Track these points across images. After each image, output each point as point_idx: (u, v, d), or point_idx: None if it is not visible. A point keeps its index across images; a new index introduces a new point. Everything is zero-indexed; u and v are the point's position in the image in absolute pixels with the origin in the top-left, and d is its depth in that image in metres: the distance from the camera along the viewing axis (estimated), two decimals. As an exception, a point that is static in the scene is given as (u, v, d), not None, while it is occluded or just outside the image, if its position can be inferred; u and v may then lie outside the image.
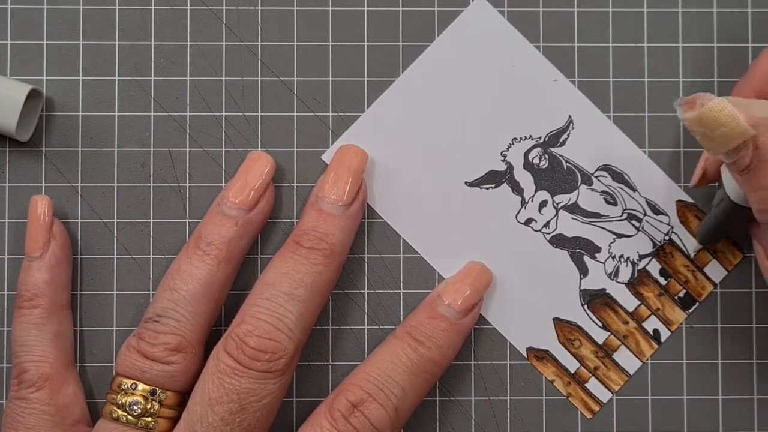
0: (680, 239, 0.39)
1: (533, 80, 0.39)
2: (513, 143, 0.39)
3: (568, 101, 0.39)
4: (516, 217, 0.39)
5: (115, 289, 0.39)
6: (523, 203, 0.39)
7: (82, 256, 0.39)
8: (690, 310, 0.39)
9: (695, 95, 0.30)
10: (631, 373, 0.39)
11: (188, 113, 0.39)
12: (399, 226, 0.39)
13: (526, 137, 0.39)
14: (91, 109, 0.39)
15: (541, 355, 0.39)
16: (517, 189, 0.39)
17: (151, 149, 0.39)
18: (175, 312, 0.35)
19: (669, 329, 0.39)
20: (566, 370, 0.39)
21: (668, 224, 0.39)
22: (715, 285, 0.39)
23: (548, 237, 0.39)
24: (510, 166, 0.39)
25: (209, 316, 0.35)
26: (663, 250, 0.39)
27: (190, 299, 0.35)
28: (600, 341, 0.39)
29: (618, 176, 0.39)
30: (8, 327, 0.39)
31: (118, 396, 0.34)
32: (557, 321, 0.39)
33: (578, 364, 0.39)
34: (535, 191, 0.39)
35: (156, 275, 0.39)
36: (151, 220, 0.39)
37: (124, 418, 0.34)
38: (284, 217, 0.39)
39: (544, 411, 0.39)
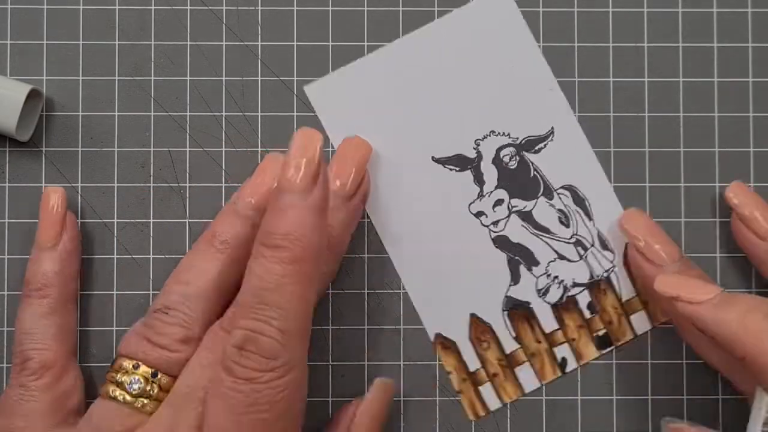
0: (618, 280, 0.39)
1: (529, 82, 0.39)
2: (490, 135, 0.39)
3: (556, 113, 0.39)
4: (469, 206, 0.39)
5: (115, 289, 0.39)
6: (480, 195, 0.39)
7: (82, 256, 0.39)
8: (604, 351, 0.39)
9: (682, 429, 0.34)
10: (527, 392, 0.39)
11: (188, 113, 0.39)
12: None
13: (504, 133, 0.39)
14: (91, 109, 0.39)
15: (448, 344, 0.39)
16: (479, 180, 0.39)
17: (151, 149, 0.39)
18: (184, 306, 0.35)
19: (577, 362, 0.39)
20: (466, 366, 0.39)
21: (612, 262, 0.39)
22: (635, 336, 0.39)
23: (493, 235, 0.39)
24: (479, 156, 0.39)
25: (217, 312, 0.35)
26: (598, 285, 0.39)
27: (202, 295, 0.35)
28: (508, 350, 0.39)
29: (579, 200, 0.39)
30: (8, 327, 0.39)
31: (119, 374, 0.34)
32: (474, 317, 0.39)
33: (480, 366, 0.39)
34: (495, 188, 0.39)
35: (156, 275, 0.39)
36: (151, 220, 0.39)
37: (122, 397, 0.34)
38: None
39: (544, 411, 0.39)
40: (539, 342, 0.39)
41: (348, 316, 0.39)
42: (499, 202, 0.39)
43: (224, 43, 0.39)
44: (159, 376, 0.34)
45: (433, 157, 0.39)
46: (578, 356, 0.39)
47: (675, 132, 0.39)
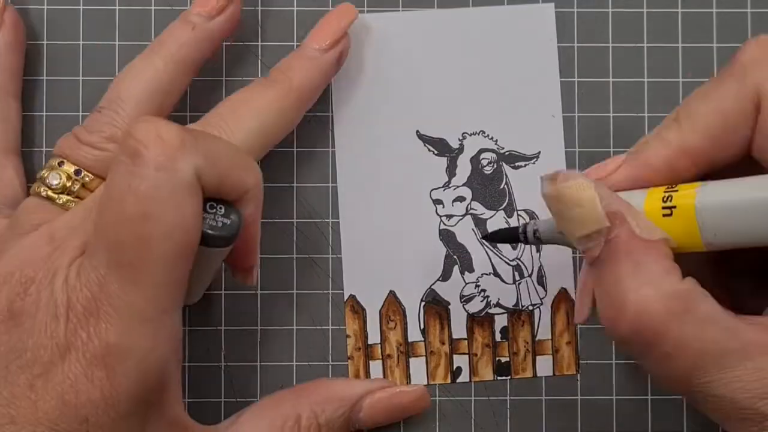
0: (539, 318, 0.39)
1: (536, 102, 0.39)
2: (479, 134, 0.39)
3: (549, 141, 0.39)
4: (431, 191, 0.39)
5: (115, 289, 0.39)
6: (446, 185, 0.39)
7: (83, 257, 0.39)
8: (499, 377, 0.39)
9: (559, 171, 0.31)
10: (413, 383, 0.39)
11: (188, 113, 0.39)
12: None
13: (492, 138, 0.39)
14: (91, 110, 0.39)
15: (358, 309, 0.39)
16: (451, 170, 0.39)
17: (151, 149, 0.39)
18: (115, 105, 0.35)
19: (470, 377, 0.39)
20: (366, 337, 0.39)
21: (541, 300, 0.39)
22: (534, 375, 0.39)
23: (442, 227, 0.39)
24: (461, 149, 0.39)
25: (150, 113, 0.35)
26: (519, 315, 0.39)
27: (133, 95, 0.35)
28: (410, 339, 0.39)
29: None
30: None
31: (44, 171, 0.34)
32: (392, 294, 0.39)
33: (378, 341, 0.39)
34: (463, 184, 0.39)
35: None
36: (152, 221, 0.39)
37: (45, 192, 0.34)
38: (284, 217, 0.39)
39: (544, 411, 0.39)
40: (443, 344, 0.39)
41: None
42: (460, 199, 0.39)
43: (224, 43, 0.39)
44: (82, 174, 0.34)
45: (417, 132, 0.39)
46: (473, 372, 0.39)
47: (675, 132, 0.39)
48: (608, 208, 0.30)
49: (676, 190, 0.30)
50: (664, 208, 0.30)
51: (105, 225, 0.29)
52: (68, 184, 0.34)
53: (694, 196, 0.30)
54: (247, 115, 0.35)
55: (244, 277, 0.35)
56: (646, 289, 0.29)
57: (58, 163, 0.34)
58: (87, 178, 0.34)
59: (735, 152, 0.31)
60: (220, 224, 0.31)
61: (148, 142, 0.29)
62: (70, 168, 0.34)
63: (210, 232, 0.31)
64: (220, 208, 0.31)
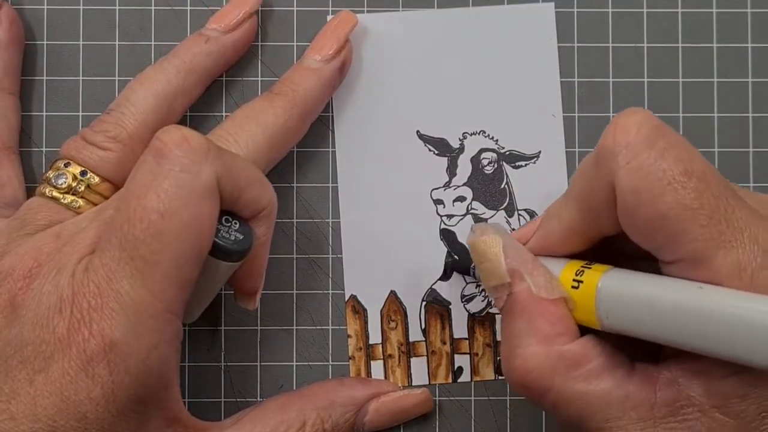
0: None
1: (537, 101, 0.39)
2: (479, 133, 0.39)
3: (549, 140, 0.39)
4: (432, 191, 0.39)
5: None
6: (447, 185, 0.39)
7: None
8: (501, 377, 0.39)
9: (481, 224, 0.34)
10: (413, 384, 0.39)
11: (188, 113, 0.39)
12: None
13: (493, 138, 0.39)
14: (91, 110, 0.39)
15: (359, 309, 0.39)
16: (451, 170, 0.39)
17: (152, 149, 0.39)
18: (123, 107, 0.35)
19: (472, 376, 0.39)
20: (367, 336, 0.39)
21: None
22: None
23: (442, 227, 0.39)
24: (461, 148, 0.39)
25: (157, 119, 0.35)
26: None
27: (141, 98, 0.35)
28: (411, 339, 0.39)
29: None
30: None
31: (50, 172, 0.35)
32: (393, 295, 0.39)
33: (380, 342, 0.39)
34: (463, 184, 0.39)
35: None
36: (152, 221, 0.39)
37: (50, 193, 0.34)
38: (284, 217, 0.39)
39: (544, 411, 0.39)
40: (444, 343, 0.39)
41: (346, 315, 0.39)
42: (461, 199, 0.39)
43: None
44: (88, 175, 0.34)
45: (418, 132, 0.39)
46: (475, 371, 0.39)
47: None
48: (510, 265, 0.32)
49: (590, 268, 0.32)
50: (574, 280, 0.32)
51: (122, 220, 0.30)
52: (74, 184, 0.34)
53: (599, 277, 0.31)
54: (254, 131, 0.35)
55: (246, 301, 0.36)
56: (534, 348, 0.31)
57: (64, 164, 0.34)
58: (93, 180, 0.34)
59: (616, 228, 0.31)
60: (232, 238, 0.31)
61: (175, 145, 0.30)
62: (76, 169, 0.34)
63: (222, 243, 0.31)
64: (235, 223, 0.32)
